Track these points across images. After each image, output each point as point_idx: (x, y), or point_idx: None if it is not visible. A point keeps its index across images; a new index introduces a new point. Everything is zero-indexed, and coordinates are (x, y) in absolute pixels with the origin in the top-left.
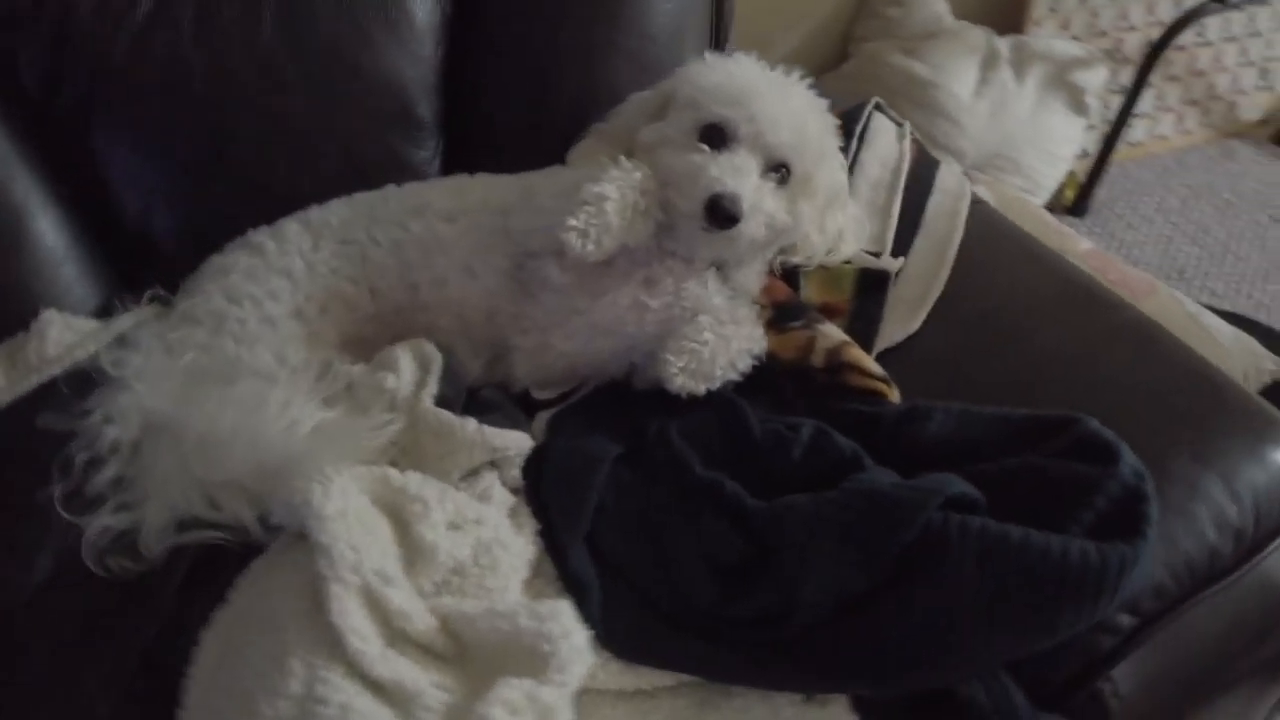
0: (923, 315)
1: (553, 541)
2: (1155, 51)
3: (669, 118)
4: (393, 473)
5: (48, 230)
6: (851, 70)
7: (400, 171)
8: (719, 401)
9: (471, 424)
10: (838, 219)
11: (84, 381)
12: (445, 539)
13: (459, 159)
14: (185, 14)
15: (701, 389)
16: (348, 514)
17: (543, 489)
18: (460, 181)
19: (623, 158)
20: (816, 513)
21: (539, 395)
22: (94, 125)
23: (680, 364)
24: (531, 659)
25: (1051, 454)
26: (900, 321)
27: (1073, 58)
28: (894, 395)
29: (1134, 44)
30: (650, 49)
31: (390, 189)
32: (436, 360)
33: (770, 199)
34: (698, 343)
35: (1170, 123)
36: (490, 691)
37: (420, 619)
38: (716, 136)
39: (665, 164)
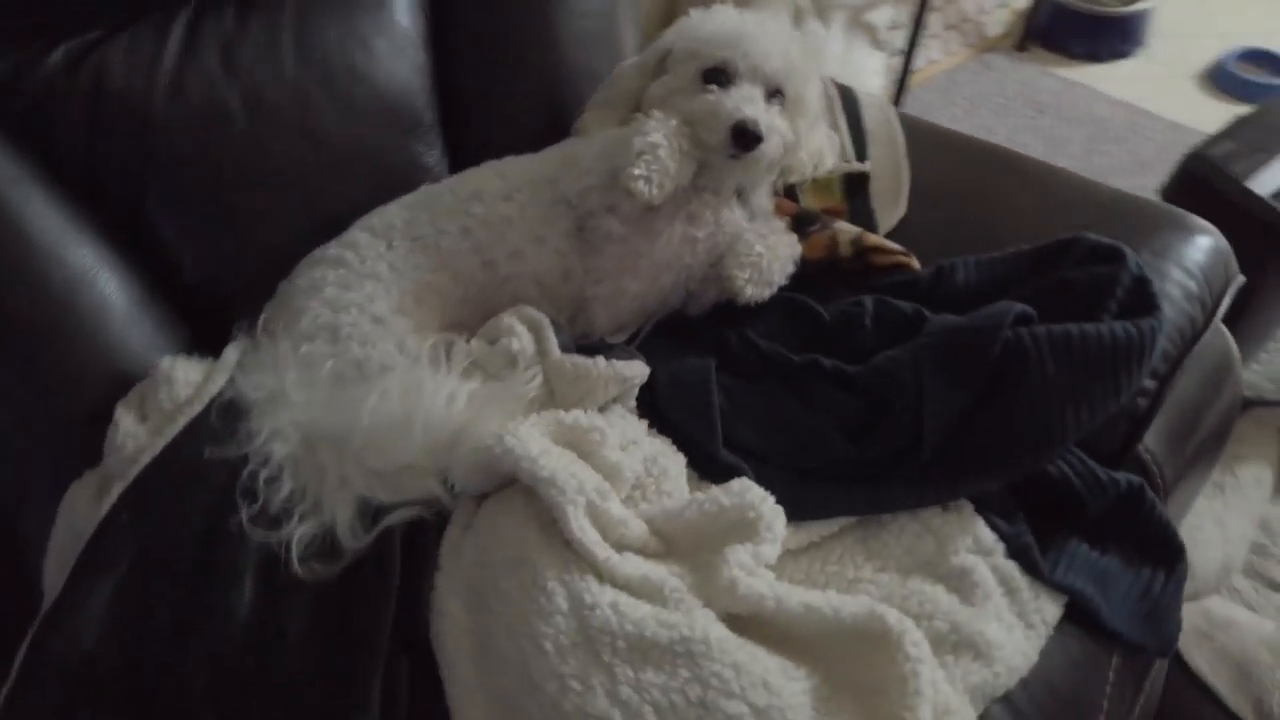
0: (904, 201)
1: (692, 448)
2: None
3: (672, 71)
4: (560, 413)
5: (115, 292)
6: None
7: (421, 174)
8: (781, 303)
9: (601, 361)
10: (817, 137)
11: (229, 412)
12: (624, 458)
13: (459, 158)
14: (212, 55)
15: (766, 295)
16: (549, 451)
17: (663, 407)
18: (499, 165)
19: (655, 111)
20: (914, 357)
21: (613, 339)
22: (141, 184)
23: (745, 276)
24: (742, 528)
25: (1067, 268)
26: (888, 211)
27: (862, 2)
28: (915, 264)
29: None
30: (595, 24)
31: (430, 187)
32: (544, 319)
33: (777, 120)
34: (754, 255)
35: (938, 47)
36: (721, 560)
37: (634, 525)
38: (720, 77)
39: (683, 108)
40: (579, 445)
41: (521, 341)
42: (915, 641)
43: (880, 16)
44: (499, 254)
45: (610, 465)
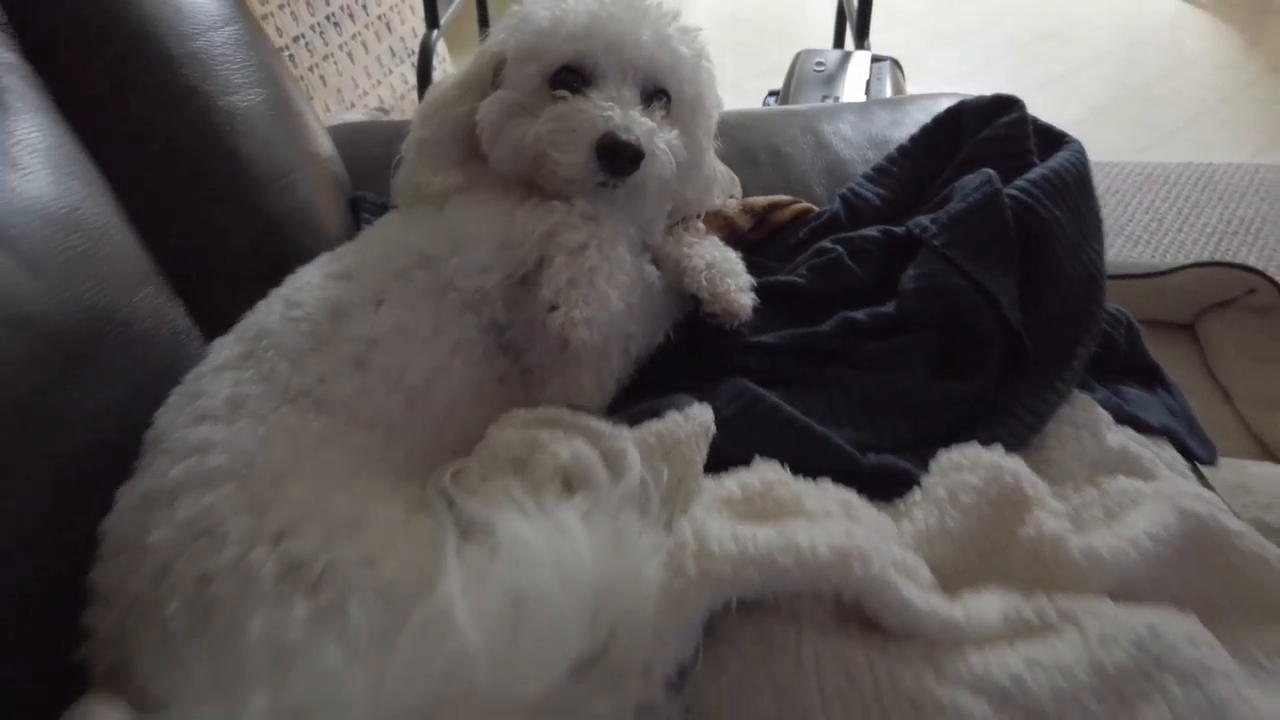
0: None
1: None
2: None
3: (508, 82)
4: (713, 488)
5: None
6: None
7: (180, 339)
8: None
9: (677, 416)
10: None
11: None
12: (827, 505)
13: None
14: None
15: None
16: (787, 531)
17: (732, 456)
18: (332, 267)
19: (558, 203)
20: (944, 264)
21: None
22: None
23: (735, 284)
24: (1010, 498)
25: (971, 135)
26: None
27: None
28: (813, 207)
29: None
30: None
31: (239, 334)
32: (555, 410)
33: (663, 129)
34: (719, 265)
35: None
36: (1039, 542)
37: (923, 566)
38: (574, 80)
39: (530, 134)
40: (773, 514)
41: (563, 444)
42: (1235, 527)
43: None
44: (418, 379)
45: (808, 509)
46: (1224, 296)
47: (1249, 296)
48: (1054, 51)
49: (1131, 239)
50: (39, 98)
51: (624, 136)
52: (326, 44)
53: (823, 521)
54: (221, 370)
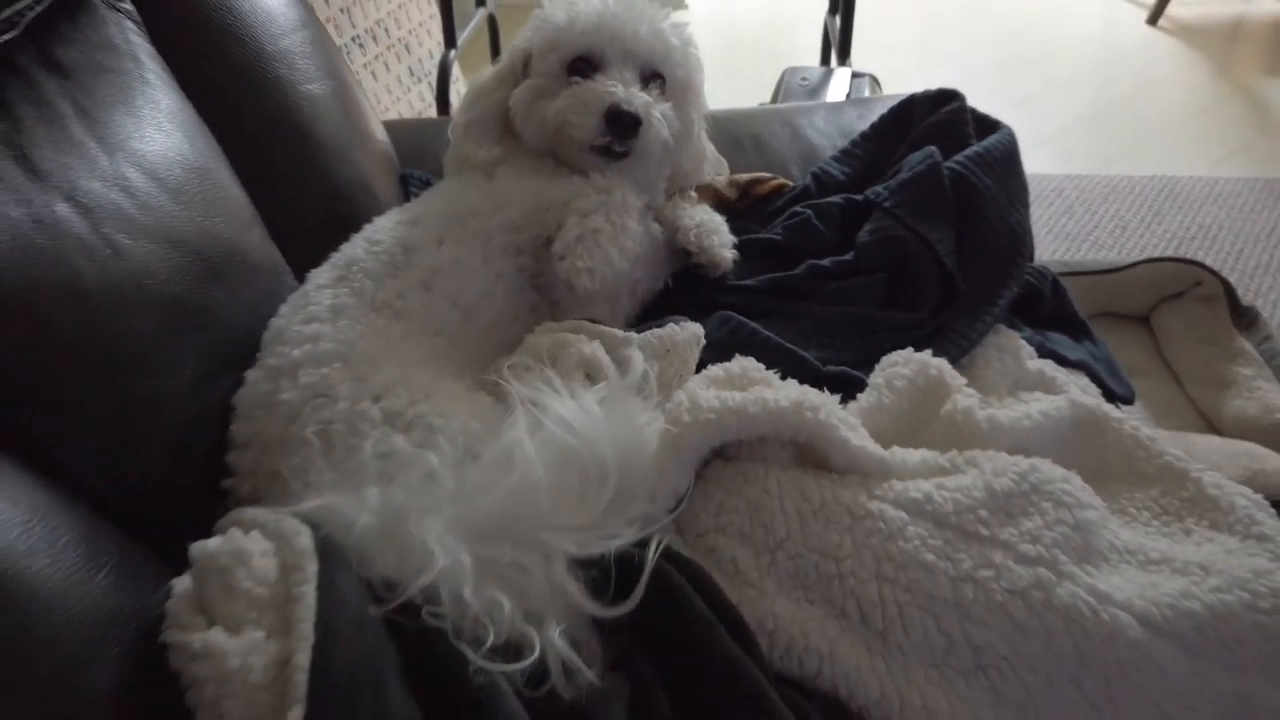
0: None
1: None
2: None
3: (534, 71)
4: (707, 373)
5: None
6: None
7: (282, 272)
8: None
9: (674, 327)
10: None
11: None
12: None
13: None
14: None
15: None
16: (765, 391)
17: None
18: (401, 216)
19: (578, 177)
20: (893, 220)
21: None
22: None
23: (718, 240)
24: (935, 387)
25: (920, 120)
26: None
27: None
28: (789, 182)
29: None
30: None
31: (332, 266)
32: (578, 322)
33: (659, 104)
34: (707, 224)
35: None
36: (955, 414)
37: (861, 427)
38: (586, 67)
39: (552, 110)
40: (747, 388)
41: (585, 344)
42: (1116, 415)
43: None
44: (471, 300)
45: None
46: (1175, 289)
47: (1196, 288)
48: (1031, 73)
49: (1097, 244)
50: (169, 78)
51: (626, 107)
52: (352, 63)
53: (784, 389)
54: (322, 288)
